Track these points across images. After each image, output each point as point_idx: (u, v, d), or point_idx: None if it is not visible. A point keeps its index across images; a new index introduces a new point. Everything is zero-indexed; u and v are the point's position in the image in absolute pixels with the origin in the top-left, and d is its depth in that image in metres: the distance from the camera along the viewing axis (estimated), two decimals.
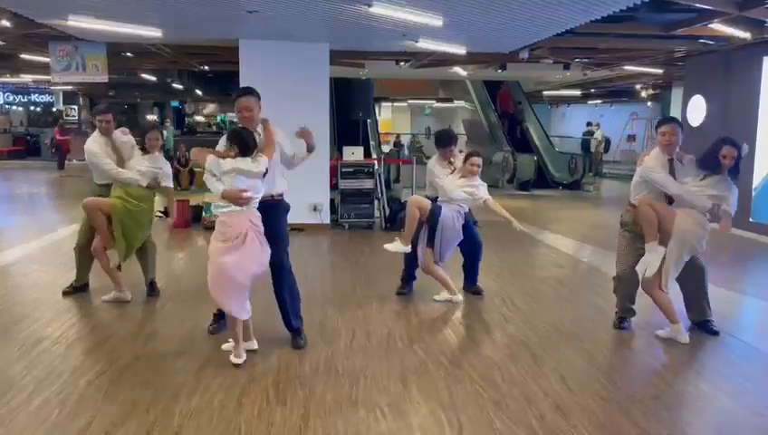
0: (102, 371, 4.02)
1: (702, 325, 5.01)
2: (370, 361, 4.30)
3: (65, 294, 5.72)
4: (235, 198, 4.07)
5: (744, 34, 8.34)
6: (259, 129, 4.36)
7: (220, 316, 4.63)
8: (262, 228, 4.21)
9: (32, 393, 3.66)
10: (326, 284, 6.55)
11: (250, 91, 4.37)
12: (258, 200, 4.22)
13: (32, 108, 27.11)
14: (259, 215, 4.22)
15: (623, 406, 3.68)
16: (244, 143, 4.15)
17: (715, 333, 4.94)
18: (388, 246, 5.78)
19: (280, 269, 4.47)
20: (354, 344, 4.63)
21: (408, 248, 5.72)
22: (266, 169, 4.20)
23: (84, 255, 5.69)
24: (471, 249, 6.04)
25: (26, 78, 19.22)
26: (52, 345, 4.47)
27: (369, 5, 6.56)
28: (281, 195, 4.54)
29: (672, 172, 4.78)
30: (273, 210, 4.40)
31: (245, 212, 4.13)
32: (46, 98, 26.25)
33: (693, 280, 4.95)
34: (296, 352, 4.42)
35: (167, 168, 5.67)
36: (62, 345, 4.48)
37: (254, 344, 4.39)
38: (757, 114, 9.47)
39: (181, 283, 6.11)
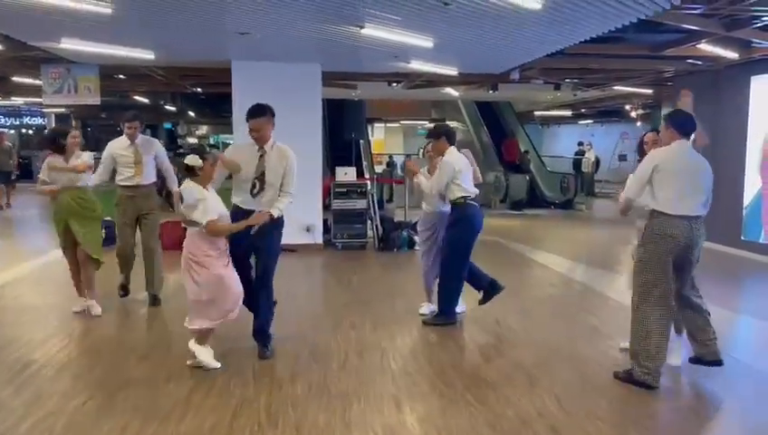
0: (91, 395, 3.97)
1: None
2: (363, 382, 4.26)
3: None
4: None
5: (732, 55, 8.45)
6: (267, 147, 4.73)
7: None
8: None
9: (20, 417, 3.60)
10: (319, 304, 6.51)
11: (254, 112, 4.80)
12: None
13: (23, 130, 27.06)
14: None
15: (619, 426, 3.65)
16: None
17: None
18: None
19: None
20: (347, 366, 4.59)
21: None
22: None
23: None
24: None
25: (18, 101, 19.17)
26: (41, 369, 4.41)
27: (361, 27, 6.61)
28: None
29: None
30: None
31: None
32: (38, 120, 26.20)
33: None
34: (288, 373, 4.39)
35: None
36: (51, 369, 4.42)
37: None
38: (746, 133, 9.54)
39: (171, 305, 6.05)
